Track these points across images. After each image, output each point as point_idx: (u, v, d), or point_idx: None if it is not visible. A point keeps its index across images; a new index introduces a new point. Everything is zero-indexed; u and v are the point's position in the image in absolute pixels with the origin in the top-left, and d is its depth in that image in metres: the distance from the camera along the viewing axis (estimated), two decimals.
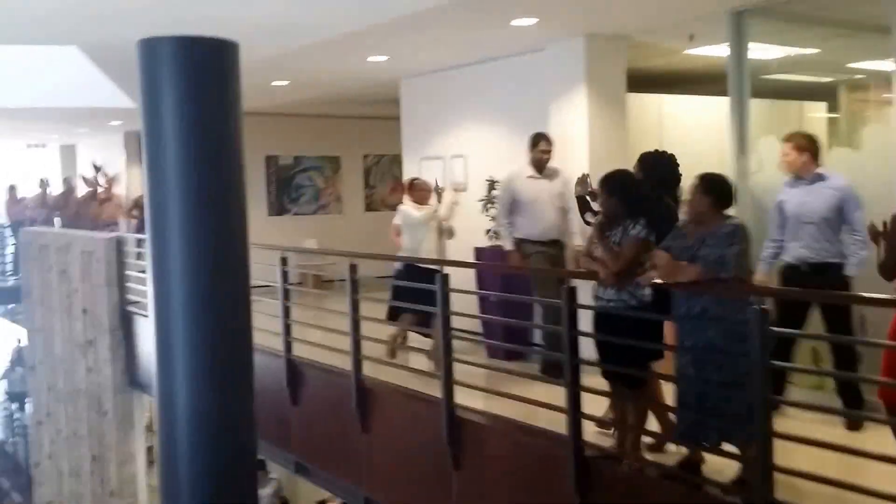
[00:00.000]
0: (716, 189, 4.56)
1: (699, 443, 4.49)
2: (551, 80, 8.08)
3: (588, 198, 6.15)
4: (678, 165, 5.57)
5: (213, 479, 2.56)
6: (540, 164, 7.29)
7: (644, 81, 8.39)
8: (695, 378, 4.44)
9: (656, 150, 5.65)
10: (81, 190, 15.66)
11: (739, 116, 6.39)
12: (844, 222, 5.50)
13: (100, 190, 13.62)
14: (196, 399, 2.48)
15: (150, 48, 2.63)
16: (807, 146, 5.63)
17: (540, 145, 7.31)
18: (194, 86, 2.65)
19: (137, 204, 12.44)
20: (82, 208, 13.43)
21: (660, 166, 5.49)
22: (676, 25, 7.29)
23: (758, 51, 6.60)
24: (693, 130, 8.11)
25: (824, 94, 7.65)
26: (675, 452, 4.93)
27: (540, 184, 7.29)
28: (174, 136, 2.56)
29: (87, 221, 13.03)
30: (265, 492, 10.86)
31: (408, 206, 7.82)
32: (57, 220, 15.21)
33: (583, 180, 6.19)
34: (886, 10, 5.89)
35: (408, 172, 10.87)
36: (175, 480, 2.51)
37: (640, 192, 5.01)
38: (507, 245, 7.33)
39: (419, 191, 7.90)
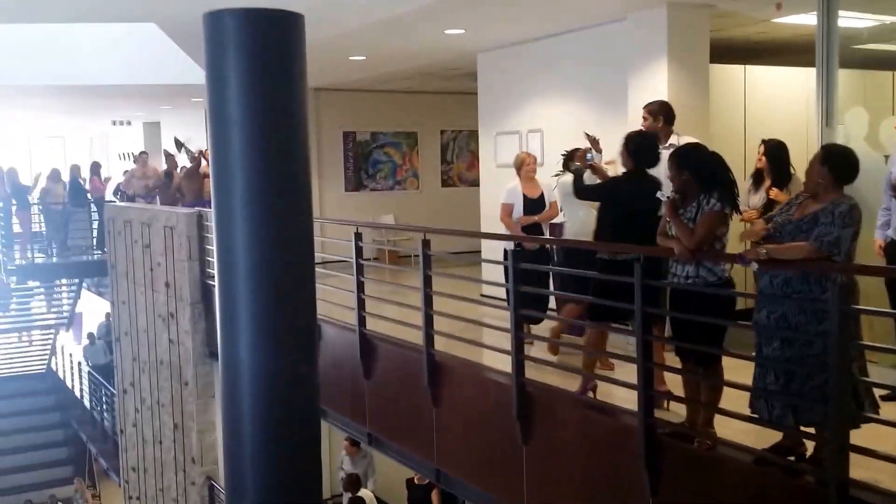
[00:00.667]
0: (834, 161, 4.28)
1: (773, 422, 4.33)
2: (631, 51, 7.90)
3: (590, 170, 6.16)
4: (657, 147, 5.78)
5: (276, 443, 2.57)
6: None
7: (727, 52, 8.14)
8: (761, 353, 4.32)
9: (639, 131, 5.82)
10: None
11: (827, 87, 6.11)
12: None
13: (204, 164, 13.64)
14: (258, 365, 2.48)
15: (216, 20, 2.61)
16: None
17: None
18: (259, 58, 2.63)
19: None
20: (185, 184, 13.46)
21: (642, 147, 5.66)
22: None
23: (848, 19, 6.30)
24: (778, 102, 7.87)
25: None
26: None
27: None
28: (238, 108, 2.54)
29: (190, 196, 13.05)
30: (358, 469, 10.98)
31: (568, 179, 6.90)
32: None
33: (583, 154, 6.19)
34: None
35: (483, 148, 10.81)
36: (238, 444, 2.52)
37: (712, 165, 4.85)
38: None
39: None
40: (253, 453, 2.58)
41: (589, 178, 6.20)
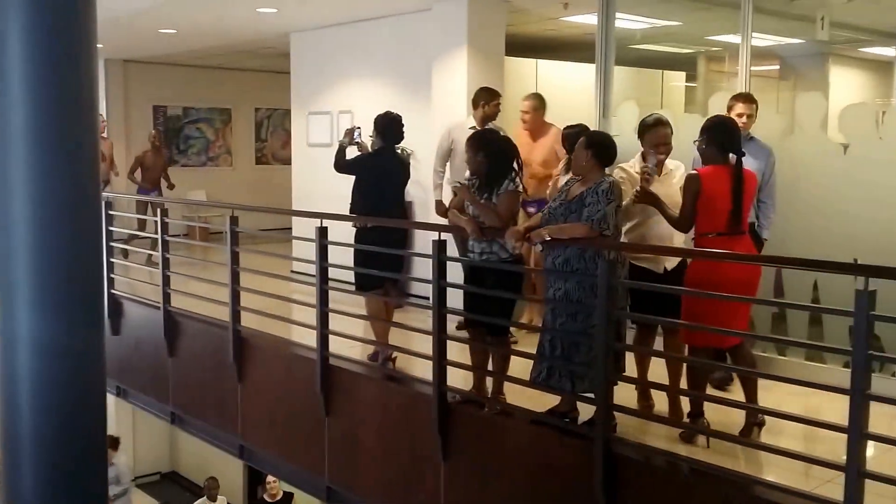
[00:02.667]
0: (597, 144, 4.67)
1: (553, 388, 4.70)
2: (435, 39, 8.21)
3: (358, 148, 6.64)
4: (401, 125, 6.36)
5: (58, 420, 2.49)
6: (489, 120, 6.86)
7: (521, 46, 8.59)
8: (551, 327, 4.67)
9: (385, 113, 6.39)
10: None
11: (604, 82, 6.65)
12: (762, 186, 5.33)
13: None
14: (39, 337, 2.47)
15: None
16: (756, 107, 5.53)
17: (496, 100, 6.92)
18: (44, 25, 2.50)
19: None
20: None
21: (388, 126, 6.29)
22: None
23: (624, 21, 6.84)
24: (565, 94, 8.34)
25: (684, 63, 7.97)
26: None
27: None
28: (20, 75, 2.43)
29: None
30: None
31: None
32: None
33: (350, 132, 6.62)
34: None
35: (296, 127, 10.88)
36: (16, 422, 2.45)
37: (505, 148, 5.24)
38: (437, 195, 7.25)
39: None
40: (32, 427, 2.47)
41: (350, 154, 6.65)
